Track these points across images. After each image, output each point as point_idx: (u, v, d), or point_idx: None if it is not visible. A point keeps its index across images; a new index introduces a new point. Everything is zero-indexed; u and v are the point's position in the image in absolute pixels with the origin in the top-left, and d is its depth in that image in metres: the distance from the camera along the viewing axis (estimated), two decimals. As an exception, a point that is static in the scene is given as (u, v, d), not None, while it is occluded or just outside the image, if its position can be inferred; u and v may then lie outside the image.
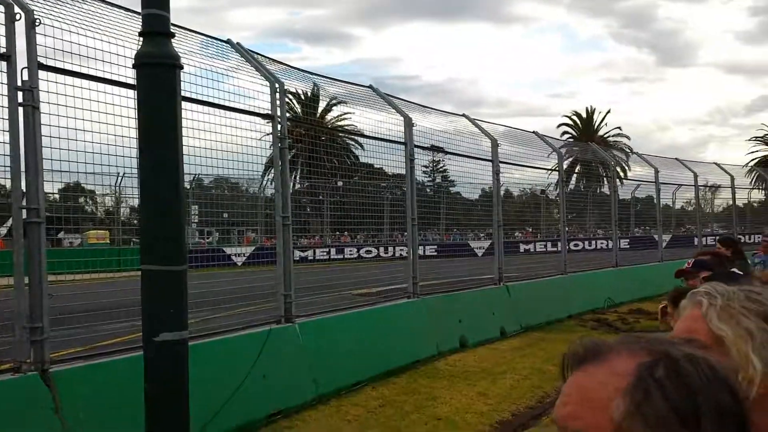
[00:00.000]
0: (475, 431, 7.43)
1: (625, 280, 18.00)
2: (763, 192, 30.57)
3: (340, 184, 15.37)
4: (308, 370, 8.62)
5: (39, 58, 6.10)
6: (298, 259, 13.80)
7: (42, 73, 6.14)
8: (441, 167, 16.50)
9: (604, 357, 0.99)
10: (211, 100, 8.19)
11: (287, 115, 9.64)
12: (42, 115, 6.11)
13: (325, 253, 18.74)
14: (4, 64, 5.92)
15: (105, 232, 13.33)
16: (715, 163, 25.48)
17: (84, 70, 6.61)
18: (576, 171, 33.44)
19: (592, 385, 0.97)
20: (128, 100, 6.73)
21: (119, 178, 9.53)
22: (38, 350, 5.96)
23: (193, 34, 8.41)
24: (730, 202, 25.94)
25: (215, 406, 7.00)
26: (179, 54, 4.69)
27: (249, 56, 8.96)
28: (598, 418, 0.94)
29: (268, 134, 9.07)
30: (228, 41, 9.04)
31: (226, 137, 8.43)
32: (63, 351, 6.81)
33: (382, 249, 18.47)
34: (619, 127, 66.94)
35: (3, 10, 5.88)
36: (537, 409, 8.10)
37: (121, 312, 7.14)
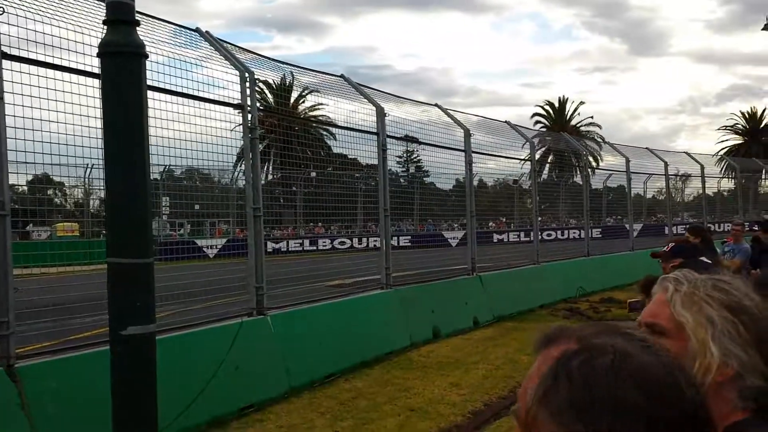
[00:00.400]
0: (448, 422, 7.44)
1: (596, 269, 18.15)
2: (733, 181, 30.96)
3: (313, 174, 15.28)
4: (281, 363, 8.58)
5: (3, 47, 5.99)
6: (271, 250, 13.74)
7: (6, 63, 6.04)
8: (414, 157, 16.49)
9: (553, 343, 1.00)
10: (181, 89, 8.09)
11: (259, 105, 9.55)
12: (6, 105, 6.00)
13: (298, 245, 18.66)
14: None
15: (74, 225, 13.13)
16: (686, 153, 25.77)
17: (49, 60, 6.49)
18: (549, 161, 33.65)
19: (533, 369, 1.00)
20: (95, 89, 6.62)
21: (88, 169, 9.40)
22: (4, 345, 5.87)
23: (162, 22, 8.29)
24: (701, 191, 26.25)
25: (187, 399, 6.94)
26: (147, 43, 4.61)
27: (218, 45, 8.86)
28: (524, 401, 0.97)
29: (239, 125, 8.97)
30: (197, 30, 8.93)
31: (197, 127, 8.34)
32: (30, 346, 6.72)
33: (355, 240, 18.43)
34: (591, 117, 67.51)
35: (-36, -1, 5.76)
36: (509, 398, 8.11)
37: (90, 306, 7.04)
